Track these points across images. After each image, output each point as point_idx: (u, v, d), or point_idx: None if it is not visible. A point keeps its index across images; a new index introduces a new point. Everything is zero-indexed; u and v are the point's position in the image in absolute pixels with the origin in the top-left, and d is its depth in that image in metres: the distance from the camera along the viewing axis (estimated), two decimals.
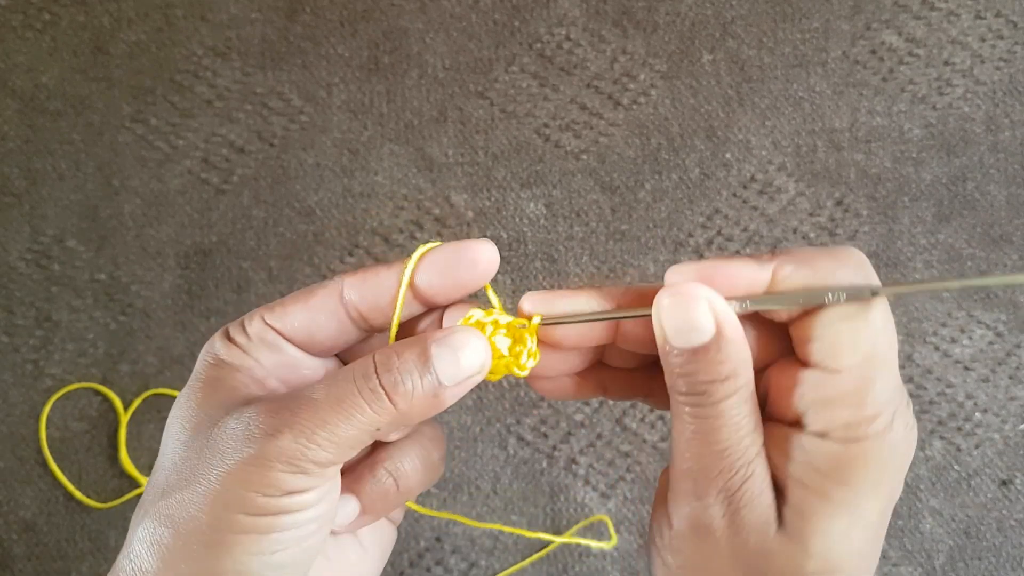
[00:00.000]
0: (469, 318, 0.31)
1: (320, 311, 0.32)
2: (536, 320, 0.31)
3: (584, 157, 0.78)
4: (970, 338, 0.75)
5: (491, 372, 0.32)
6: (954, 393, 0.74)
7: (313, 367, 0.33)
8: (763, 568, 0.29)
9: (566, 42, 0.80)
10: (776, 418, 0.31)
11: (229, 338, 0.32)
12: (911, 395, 0.74)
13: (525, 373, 0.32)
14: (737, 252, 0.76)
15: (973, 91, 0.79)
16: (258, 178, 0.77)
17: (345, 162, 0.78)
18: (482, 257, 0.31)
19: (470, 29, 0.80)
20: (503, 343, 0.31)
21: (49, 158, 0.78)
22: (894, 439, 0.28)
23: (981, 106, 0.79)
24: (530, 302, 0.32)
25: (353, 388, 0.28)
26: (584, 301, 0.31)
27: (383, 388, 0.28)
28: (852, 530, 0.28)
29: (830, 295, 0.28)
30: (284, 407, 0.28)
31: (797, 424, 0.29)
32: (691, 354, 0.28)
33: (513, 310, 0.32)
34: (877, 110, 0.79)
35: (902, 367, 0.74)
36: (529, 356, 0.32)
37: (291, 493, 0.28)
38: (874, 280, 0.28)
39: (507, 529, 0.71)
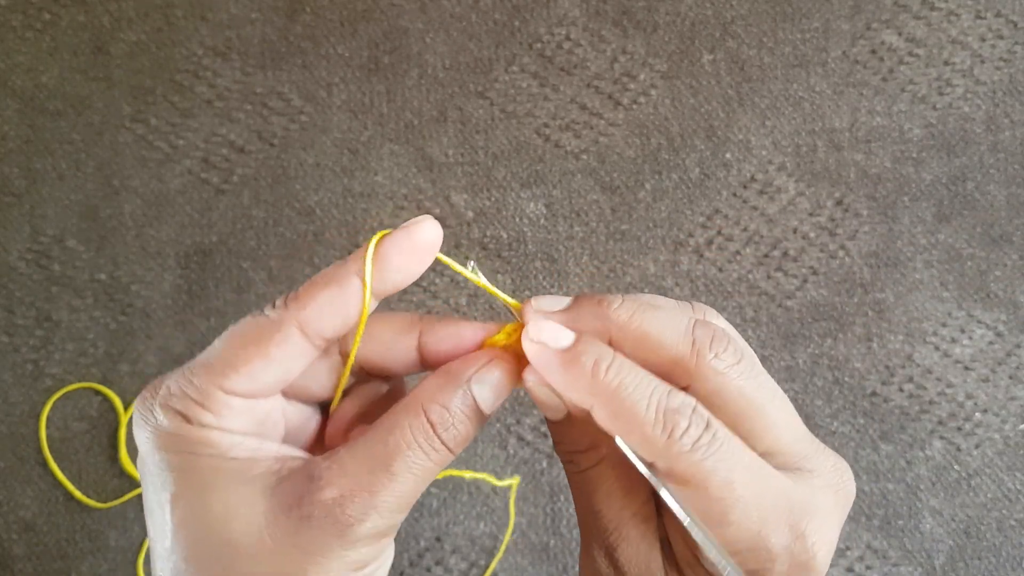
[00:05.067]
0: (496, 340, 0.32)
1: (289, 359, 0.29)
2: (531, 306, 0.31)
3: (584, 157, 0.78)
4: (970, 338, 0.75)
5: None
6: (954, 393, 0.74)
7: (279, 408, 0.32)
8: None
9: (566, 42, 0.80)
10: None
11: (188, 418, 0.28)
12: (912, 395, 0.74)
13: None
14: (737, 253, 0.76)
15: (973, 91, 0.79)
16: (258, 178, 0.77)
17: (345, 162, 0.78)
18: (434, 238, 0.30)
19: (470, 29, 0.80)
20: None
21: (49, 158, 0.78)
22: (800, 554, 0.27)
23: (981, 106, 0.79)
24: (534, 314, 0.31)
25: (422, 455, 0.29)
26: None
27: (446, 446, 0.29)
28: None
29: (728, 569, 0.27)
30: (359, 488, 0.28)
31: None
32: (557, 425, 0.31)
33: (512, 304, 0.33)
34: (877, 110, 0.79)
35: (902, 367, 0.74)
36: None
37: (371, 561, 0.29)
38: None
39: (456, 473, 0.71)
